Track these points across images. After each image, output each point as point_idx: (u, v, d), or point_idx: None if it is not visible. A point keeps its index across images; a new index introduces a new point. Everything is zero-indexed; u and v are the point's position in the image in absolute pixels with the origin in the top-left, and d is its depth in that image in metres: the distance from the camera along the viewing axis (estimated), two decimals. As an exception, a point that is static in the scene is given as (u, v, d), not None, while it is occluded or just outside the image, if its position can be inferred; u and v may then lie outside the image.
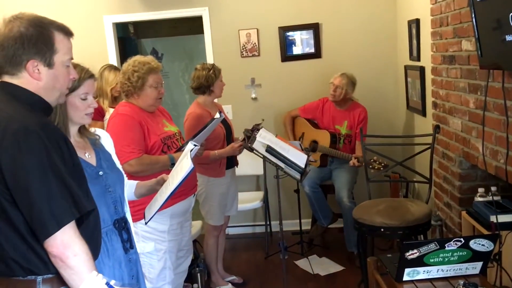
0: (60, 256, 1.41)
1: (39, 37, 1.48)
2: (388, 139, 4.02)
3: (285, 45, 4.68)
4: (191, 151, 2.16)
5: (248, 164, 4.37)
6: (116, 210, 1.88)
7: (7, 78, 1.51)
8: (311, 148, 4.20)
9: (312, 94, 4.51)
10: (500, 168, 2.38)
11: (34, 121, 1.43)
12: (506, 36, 1.97)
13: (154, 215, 2.12)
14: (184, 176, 1.98)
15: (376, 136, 3.94)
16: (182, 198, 2.81)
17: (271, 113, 4.72)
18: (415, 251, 2.12)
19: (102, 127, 3.16)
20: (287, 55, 4.70)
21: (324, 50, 4.68)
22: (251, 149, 2.99)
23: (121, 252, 1.87)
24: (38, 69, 1.49)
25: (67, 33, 1.56)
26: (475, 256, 2.17)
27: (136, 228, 2.52)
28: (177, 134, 2.92)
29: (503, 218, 2.40)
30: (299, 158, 3.06)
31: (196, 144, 2.28)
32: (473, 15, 2.27)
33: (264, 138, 3.05)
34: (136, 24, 6.44)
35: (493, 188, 2.60)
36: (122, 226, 1.89)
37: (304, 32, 4.66)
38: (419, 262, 2.15)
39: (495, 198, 2.53)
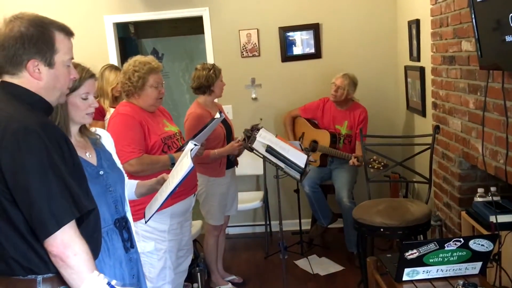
0: (60, 255, 1.41)
1: (39, 37, 1.48)
2: (388, 139, 4.03)
3: (285, 45, 4.68)
4: (191, 150, 2.17)
5: (248, 164, 4.37)
6: (116, 209, 1.88)
7: (7, 78, 1.51)
8: (311, 148, 4.21)
9: (312, 94, 4.51)
10: (499, 168, 2.39)
11: (34, 120, 1.43)
12: (506, 36, 1.97)
13: (154, 214, 2.12)
14: (184, 175, 1.99)
15: (376, 136, 3.94)
16: (182, 197, 2.81)
17: (271, 113, 4.72)
18: (415, 251, 2.12)
19: (103, 127, 3.16)
20: (287, 55, 4.70)
21: (324, 50, 4.69)
22: (251, 149, 2.99)
23: (121, 251, 1.88)
24: (39, 69, 1.49)
25: (68, 33, 1.56)
26: (475, 256, 2.17)
27: (137, 228, 2.52)
28: (177, 134, 2.93)
29: (503, 219, 2.40)
30: (299, 158, 3.07)
31: (196, 143, 2.28)
32: (473, 16, 2.28)
33: (264, 138, 3.05)
34: (136, 24, 6.44)
35: (492, 189, 2.61)
36: (122, 225, 1.90)
37: (304, 32, 4.66)
38: (419, 262, 2.15)
39: (495, 198, 2.53)
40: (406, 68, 4.23)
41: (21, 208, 1.40)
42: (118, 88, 3.36)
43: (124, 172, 2.02)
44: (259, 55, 4.71)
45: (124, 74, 2.79)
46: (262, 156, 3.02)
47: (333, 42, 4.66)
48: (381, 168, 3.66)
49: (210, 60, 4.63)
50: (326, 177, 4.26)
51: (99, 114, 3.51)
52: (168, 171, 2.29)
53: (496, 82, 2.35)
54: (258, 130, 3.15)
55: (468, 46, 2.72)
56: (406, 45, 4.16)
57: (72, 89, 1.77)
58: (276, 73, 4.72)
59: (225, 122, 3.57)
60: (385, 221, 2.99)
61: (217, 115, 2.95)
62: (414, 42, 3.92)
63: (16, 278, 1.47)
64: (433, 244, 2.13)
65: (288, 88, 4.72)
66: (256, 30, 4.67)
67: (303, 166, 3.02)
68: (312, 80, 4.67)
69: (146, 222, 2.26)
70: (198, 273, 3.66)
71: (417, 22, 3.83)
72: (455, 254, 2.15)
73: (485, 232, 2.48)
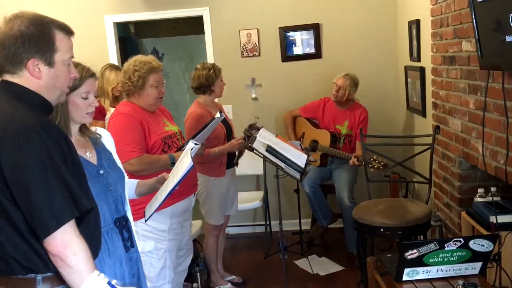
0: (59, 255, 1.41)
1: (39, 36, 1.48)
2: (388, 139, 4.03)
3: (286, 45, 4.68)
4: (191, 150, 2.17)
5: (248, 164, 4.37)
6: (117, 208, 1.88)
7: (7, 77, 1.51)
8: (311, 147, 4.21)
9: (312, 94, 4.51)
10: (500, 168, 2.39)
11: (34, 120, 1.43)
12: (506, 36, 1.97)
13: (153, 213, 2.12)
14: (184, 173, 1.99)
15: (376, 136, 3.94)
16: (183, 197, 2.81)
17: (271, 113, 4.72)
18: (415, 251, 2.12)
19: (103, 127, 3.16)
20: (287, 55, 4.70)
21: (325, 50, 4.69)
22: (251, 149, 2.99)
23: (122, 250, 1.88)
24: (39, 68, 1.49)
25: (68, 32, 1.56)
26: (475, 256, 2.17)
27: (137, 227, 2.52)
28: (177, 133, 2.93)
29: (503, 219, 2.40)
30: (299, 158, 3.07)
31: (196, 143, 2.28)
32: (473, 16, 2.28)
33: (264, 138, 3.06)
34: (137, 24, 6.44)
35: (492, 189, 2.61)
36: (123, 224, 1.89)
37: (304, 32, 4.66)
38: (419, 262, 2.15)
39: (495, 198, 2.53)
40: (406, 68, 4.23)
41: (20, 207, 1.40)
42: (119, 88, 3.36)
43: (124, 171, 2.02)
44: (259, 55, 4.72)
45: (125, 74, 2.79)
46: (262, 155, 3.02)
47: (333, 42, 4.66)
48: (381, 168, 3.66)
49: (210, 60, 4.62)
50: (326, 177, 4.26)
51: (100, 114, 3.51)
52: (169, 170, 2.29)
53: (496, 82, 2.35)
54: (258, 129, 3.15)
55: (468, 46, 2.72)
56: (406, 45, 4.16)
57: (73, 88, 1.77)
58: (276, 73, 4.72)
59: (225, 122, 3.57)
60: (385, 221, 2.99)
61: (217, 115, 2.95)
62: (414, 42, 3.92)
63: (15, 277, 1.47)
64: (433, 244, 2.13)
65: (288, 88, 4.72)
66: (256, 30, 4.67)
67: (303, 166, 3.02)
68: (312, 80, 4.67)
69: (146, 221, 2.26)
70: (198, 273, 3.66)
71: (417, 22, 3.82)
72: (455, 254, 2.15)
73: (485, 233, 2.48)
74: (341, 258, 4.16)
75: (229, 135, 3.62)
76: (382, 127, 4.46)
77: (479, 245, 2.14)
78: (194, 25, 5.48)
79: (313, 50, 4.68)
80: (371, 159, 3.70)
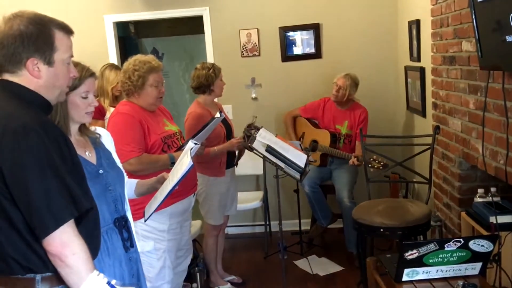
0: (58, 255, 1.41)
1: (39, 35, 1.48)
2: (388, 139, 4.03)
3: (286, 45, 4.68)
4: (191, 149, 2.17)
5: (248, 164, 4.36)
6: (116, 208, 1.88)
7: (7, 76, 1.51)
8: (311, 147, 4.21)
9: (312, 94, 4.51)
10: (499, 169, 2.38)
11: (34, 119, 1.43)
12: (507, 37, 1.97)
13: (153, 212, 2.12)
14: (184, 173, 1.98)
15: (376, 137, 3.94)
16: (182, 197, 2.81)
17: (271, 113, 4.72)
18: (415, 251, 2.12)
19: (103, 126, 3.15)
20: (287, 55, 4.70)
21: (325, 50, 4.68)
22: (251, 149, 2.99)
23: (121, 250, 1.87)
24: (38, 67, 1.49)
25: (67, 31, 1.56)
26: (475, 256, 2.17)
27: (136, 227, 2.51)
28: (177, 133, 2.92)
29: (503, 219, 2.40)
30: (299, 158, 3.06)
31: (196, 142, 2.28)
32: (473, 16, 2.28)
33: (264, 137, 3.05)
34: (136, 23, 6.44)
35: (492, 189, 2.60)
36: (122, 224, 1.89)
37: (304, 32, 4.66)
38: (419, 262, 2.15)
39: (495, 199, 2.53)
40: (406, 68, 4.22)
41: (20, 207, 1.40)
42: (118, 88, 3.36)
43: (124, 171, 2.02)
44: (259, 55, 4.71)
45: (124, 73, 2.79)
46: (262, 155, 3.01)
47: (333, 42, 4.66)
48: (381, 167, 3.66)
49: (210, 59, 4.62)
50: (326, 177, 4.26)
51: (99, 113, 3.51)
52: (168, 170, 2.29)
53: (496, 83, 2.35)
54: (258, 129, 3.15)
55: (468, 46, 2.72)
56: (407, 45, 4.16)
57: (72, 88, 1.77)
58: (276, 73, 4.72)
59: (225, 121, 3.57)
60: (385, 221, 2.98)
61: (217, 115, 2.95)
62: (415, 42, 3.92)
63: (15, 277, 1.46)
64: (433, 245, 2.12)
65: (288, 88, 4.72)
66: (256, 30, 4.67)
67: (303, 166, 3.02)
68: (312, 80, 4.67)
69: (145, 221, 2.26)
70: (197, 273, 3.66)
71: (418, 22, 3.82)
72: (455, 254, 2.15)
73: (485, 233, 2.48)
74: (340, 258, 4.16)
75: (229, 135, 3.61)
76: (382, 127, 4.46)
77: (479, 245, 2.14)
78: (194, 25, 5.48)
79: (313, 50, 4.68)
80: (371, 159, 3.70)
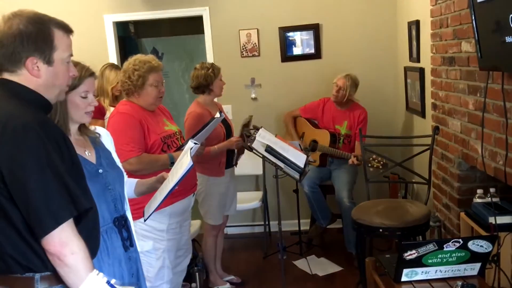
0: (57, 254, 1.41)
1: (38, 34, 1.48)
2: (387, 140, 4.03)
3: (285, 46, 4.68)
4: (191, 149, 2.16)
5: (248, 164, 4.36)
6: (116, 208, 1.88)
7: (6, 75, 1.51)
8: (311, 147, 4.21)
9: (312, 95, 4.51)
10: (499, 169, 2.38)
11: (33, 118, 1.43)
12: (506, 37, 1.97)
13: (152, 212, 2.12)
14: (183, 173, 1.98)
15: (376, 137, 3.94)
16: (182, 197, 2.81)
17: (270, 113, 4.72)
18: (414, 251, 2.12)
19: (103, 126, 3.15)
20: (287, 56, 4.70)
21: (324, 50, 4.69)
22: (251, 149, 2.99)
23: (120, 250, 1.87)
24: (38, 66, 1.49)
25: (67, 30, 1.56)
26: (474, 257, 2.17)
27: (135, 227, 2.51)
28: (177, 133, 2.92)
29: (502, 220, 2.40)
30: (299, 158, 3.07)
31: (196, 142, 2.28)
32: (473, 17, 2.28)
33: (263, 137, 3.05)
34: (136, 23, 6.43)
35: (492, 190, 2.61)
36: (122, 224, 1.89)
37: (304, 32, 4.66)
38: (418, 262, 2.15)
39: (494, 199, 2.53)
40: (406, 69, 4.23)
41: (19, 206, 1.40)
42: (118, 87, 3.36)
43: (123, 170, 2.02)
44: (259, 55, 4.71)
45: (124, 73, 2.79)
46: (261, 155, 3.01)
47: (333, 43, 4.66)
48: (380, 167, 3.66)
49: (210, 60, 4.62)
50: (326, 178, 4.26)
51: (99, 113, 3.50)
52: (168, 170, 2.29)
53: (495, 83, 2.35)
54: (258, 129, 3.15)
55: (468, 47, 2.72)
56: (406, 46, 4.16)
57: (72, 88, 1.77)
58: (276, 73, 4.72)
59: (225, 121, 3.57)
60: (384, 221, 2.98)
61: (217, 115, 2.95)
62: (414, 43, 3.93)
63: (14, 276, 1.47)
64: (432, 245, 2.12)
65: (287, 88, 4.72)
66: (256, 30, 4.67)
67: (302, 166, 3.02)
68: (312, 81, 4.67)
69: (145, 221, 2.25)
70: (197, 273, 3.66)
71: (417, 23, 3.83)
72: (454, 255, 2.15)
73: (484, 233, 2.48)
74: (340, 258, 4.16)
75: (229, 135, 3.61)
76: (382, 127, 4.46)
77: (478, 246, 2.14)
78: (194, 25, 5.48)
79: (312, 51, 4.68)
80: (371, 158, 3.70)
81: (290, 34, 4.67)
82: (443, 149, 3.27)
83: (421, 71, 3.75)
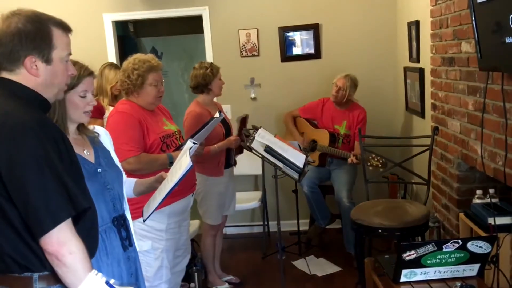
0: (55, 254, 1.40)
1: (37, 33, 1.47)
2: (387, 140, 4.03)
3: (285, 45, 4.68)
4: (190, 149, 2.16)
5: (247, 164, 4.36)
6: (114, 207, 1.87)
7: (5, 74, 1.50)
8: (310, 147, 4.21)
9: (312, 95, 4.51)
10: (498, 170, 2.38)
11: (31, 117, 1.42)
12: (506, 38, 1.97)
13: (152, 212, 2.11)
14: (183, 173, 1.98)
15: (375, 137, 3.94)
16: (181, 197, 2.80)
17: (270, 113, 4.72)
18: (413, 252, 2.12)
19: (102, 125, 3.15)
20: (286, 55, 4.70)
21: (324, 50, 4.68)
22: (250, 149, 2.99)
23: (119, 250, 1.87)
24: (36, 65, 1.49)
25: (66, 28, 1.55)
26: (473, 258, 2.16)
27: (134, 226, 2.51)
28: (176, 133, 2.92)
29: (501, 220, 2.40)
30: (298, 158, 3.06)
31: (195, 142, 2.27)
32: (473, 17, 2.27)
33: (263, 137, 3.05)
34: (135, 22, 6.43)
35: (491, 190, 2.60)
36: (121, 223, 1.89)
37: (304, 32, 4.66)
38: (417, 263, 2.15)
39: (493, 200, 2.53)
40: (406, 69, 4.22)
41: (17, 206, 1.40)
42: (118, 87, 3.35)
43: (122, 170, 2.02)
44: (258, 55, 4.71)
45: (124, 72, 2.78)
46: (260, 155, 3.01)
47: (332, 43, 4.66)
48: (379, 165, 3.66)
49: (209, 59, 4.62)
50: (325, 178, 4.26)
51: (98, 112, 3.51)
52: (167, 170, 2.28)
53: (495, 84, 2.35)
54: (257, 129, 3.15)
55: (467, 47, 2.72)
56: (406, 46, 4.16)
57: (70, 87, 1.77)
58: (276, 73, 4.71)
59: (224, 121, 3.57)
60: (383, 222, 2.98)
61: (217, 114, 2.94)
62: (414, 43, 3.92)
63: (12, 276, 1.46)
64: (431, 246, 2.12)
65: (287, 88, 4.71)
66: (255, 29, 4.67)
67: (301, 166, 3.01)
68: (312, 81, 4.67)
69: (144, 221, 2.25)
70: (195, 273, 3.66)
71: (417, 23, 3.82)
72: (453, 255, 2.15)
73: (483, 234, 2.47)
74: (339, 259, 4.16)
75: (228, 134, 3.61)
76: (381, 128, 4.46)
77: (477, 246, 2.13)
78: (193, 24, 5.47)
79: (312, 51, 4.68)
80: (370, 157, 3.70)
81: (290, 34, 4.66)
82: (443, 150, 3.26)
83: (421, 71, 3.75)
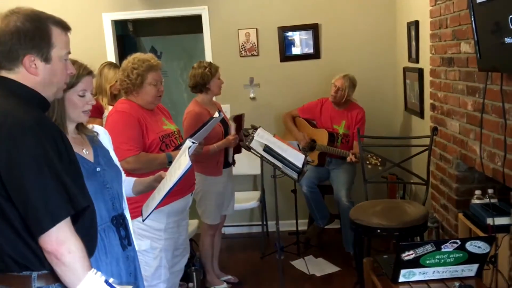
0: (54, 252, 1.40)
1: (36, 32, 1.47)
2: (386, 140, 4.03)
3: (284, 45, 4.68)
4: (189, 148, 2.16)
5: (245, 164, 4.36)
6: (114, 206, 1.87)
7: (4, 73, 1.50)
8: (309, 147, 4.21)
9: (311, 95, 4.51)
10: (497, 170, 2.38)
11: (30, 116, 1.42)
12: (505, 38, 1.97)
13: (151, 212, 2.11)
14: (182, 173, 1.98)
15: (374, 137, 3.94)
16: (180, 196, 2.80)
17: (269, 113, 4.72)
18: (411, 252, 2.12)
19: (101, 125, 3.14)
20: (286, 55, 4.70)
21: (323, 50, 4.68)
22: (249, 148, 2.99)
23: (118, 249, 1.86)
24: (35, 64, 1.49)
25: (64, 27, 1.55)
26: (471, 258, 2.17)
27: (133, 226, 2.51)
28: (176, 132, 2.92)
29: (500, 221, 2.40)
30: (297, 158, 3.06)
31: (194, 141, 2.27)
32: (472, 18, 2.28)
33: (262, 137, 3.05)
34: (135, 22, 6.43)
35: (490, 191, 2.61)
36: (120, 222, 1.88)
37: (303, 32, 4.66)
38: (415, 263, 2.15)
39: (492, 200, 2.54)
40: (405, 69, 4.23)
41: (16, 205, 1.39)
42: (117, 86, 3.35)
43: (121, 169, 2.02)
44: (257, 55, 4.71)
45: (123, 72, 2.78)
46: (259, 155, 3.01)
47: (332, 43, 4.66)
48: (378, 164, 3.66)
49: (208, 59, 4.62)
50: (324, 178, 4.26)
51: (97, 112, 3.50)
52: (166, 169, 2.28)
53: (494, 84, 2.35)
54: (256, 129, 3.15)
55: (467, 47, 2.72)
56: (405, 46, 4.16)
57: (69, 86, 1.76)
58: (275, 73, 4.71)
59: (223, 121, 3.56)
60: (382, 222, 2.98)
61: (216, 114, 2.94)
62: (413, 43, 3.92)
63: (11, 274, 1.46)
64: (429, 246, 2.12)
65: (286, 88, 4.71)
66: (255, 29, 4.67)
67: (300, 166, 3.02)
68: (311, 81, 4.67)
69: (143, 220, 2.25)
70: (194, 273, 3.65)
71: (416, 23, 3.82)
72: (451, 255, 2.15)
73: (481, 234, 2.48)
74: (337, 259, 4.16)
75: (227, 134, 3.61)
76: (380, 128, 4.46)
77: (476, 247, 2.14)
78: (193, 24, 5.47)
79: (311, 50, 4.68)
80: (369, 156, 3.71)
81: (289, 34, 4.66)
82: (442, 150, 3.27)
83: (420, 71, 3.75)
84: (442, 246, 2.12)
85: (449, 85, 3.05)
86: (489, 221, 2.41)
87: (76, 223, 1.46)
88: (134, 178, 2.21)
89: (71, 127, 1.86)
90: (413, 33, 3.91)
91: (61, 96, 1.66)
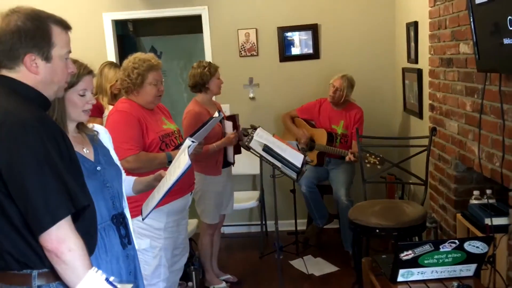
0: (54, 251, 1.40)
1: (36, 31, 1.48)
2: (385, 140, 4.04)
3: (284, 46, 4.69)
4: (188, 147, 2.16)
5: (245, 164, 4.37)
6: (114, 205, 1.88)
7: (5, 72, 1.51)
8: (308, 146, 4.22)
9: (310, 95, 4.51)
10: (495, 171, 2.39)
11: (31, 115, 1.43)
12: (504, 39, 1.98)
13: (151, 211, 2.12)
14: (182, 172, 1.98)
15: (373, 138, 3.95)
16: (179, 195, 2.81)
17: (268, 113, 4.73)
18: (410, 252, 2.13)
19: (101, 124, 3.14)
20: (285, 55, 4.71)
21: (323, 51, 4.69)
22: (248, 148, 3.00)
23: (118, 247, 1.87)
24: (36, 63, 1.49)
25: (65, 26, 1.56)
26: (470, 258, 2.17)
27: (132, 225, 2.52)
28: (176, 132, 2.92)
29: (498, 221, 2.41)
30: (296, 158, 3.07)
31: (194, 140, 2.28)
32: (471, 19, 2.28)
33: (261, 137, 3.06)
34: (135, 22, 6.43)
35: (488, 191, 2.61)
36: (120, 221, 1.89)
37: (303, 32, 4.67)
38: (414, 263, 2.16)
39: (490, 201, 2.54)
40: (404, 70, 4.23)
41: (16, 203, 1.40)
42: (117, 86, 3.36)
43: (121, 168, 2.02)
44: (257, 55, 4.72)
45: (124, 71, 2.79)
46: (259, 155, 3.02)
47: (331, 43, 4.67)
48: (377, 162, 3.66)
49: (208, 59, 4.62)
50: (323, 177, 4.27)
51: (98, 111, 3.51)
52: (166, 168, 2.29)
53: (493, 85, 2.36)
54: (255, 129, 3.15)
55: (466, 48, 2.73)
56: (404, 47, 4.17)
57: (70, 85, 1.77)
58: (274, 73, 4.72)
59: (223, 121, 3.57)
60: (380, 222, 2.99)
61: (216, 114, 2.95)
62: (412, 44, 3.93)
63: (11, 273, 1.47)
64: (428, 246, 2.13)
65: (286, 88, 4.72)
66: (254, 29, 4.67)
67: (299, 165, 3.02)
68: (310, 81, 4.68)
69: (143, 220, 2.25)
70: (193, 272, 3.66)
71: (415, 24, 3.83)
72: (450, 255, 2.16)
73: (480, 235, 2.48)
74: (336, 258, 4.16)
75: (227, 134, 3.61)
76: (379, 128, 4.47)
77: (474, 247, 2.14)
78: (193, 24, 5.47)
79: (311, 51, 4.69)
80: (367, 155, 3.71)
81: (289, 34, 4.67)
82: (440, 150, 3.27)
83: (419, 72, 3.76)
84: (441, 246, 2.13)
85: (448, 86, 3.06)
86: (487, 221, 2.41)
87: (77, 222, 1.46)
88: (134, 177, 2.21)
89: (71, 126, 1.87)
90: (412, 33, 3.91)
91: (62, 95, 1.67)
